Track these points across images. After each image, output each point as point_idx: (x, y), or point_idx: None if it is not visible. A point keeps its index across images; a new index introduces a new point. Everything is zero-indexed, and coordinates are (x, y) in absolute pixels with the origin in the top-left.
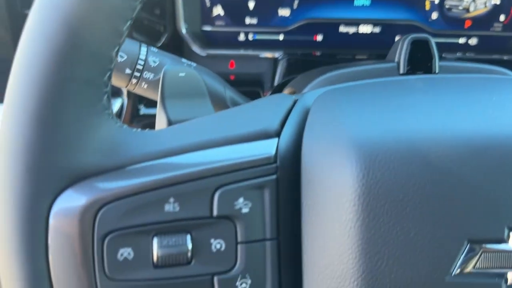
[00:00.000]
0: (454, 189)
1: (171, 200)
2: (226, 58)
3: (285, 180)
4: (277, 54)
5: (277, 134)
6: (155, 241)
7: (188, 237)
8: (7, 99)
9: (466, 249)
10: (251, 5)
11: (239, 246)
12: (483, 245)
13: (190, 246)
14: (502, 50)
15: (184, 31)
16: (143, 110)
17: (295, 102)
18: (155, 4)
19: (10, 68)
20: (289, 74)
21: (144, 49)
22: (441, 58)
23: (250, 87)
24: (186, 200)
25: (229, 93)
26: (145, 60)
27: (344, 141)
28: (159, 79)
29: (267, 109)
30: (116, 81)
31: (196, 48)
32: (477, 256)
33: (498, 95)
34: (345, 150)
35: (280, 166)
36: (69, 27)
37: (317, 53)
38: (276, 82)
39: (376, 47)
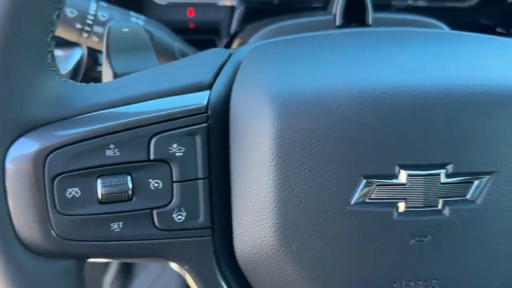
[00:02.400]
0: (353, 133)
1: (111, 146)
2: (185, 6)
3: (216, 127)
4: (234, 2)
5: (210, 86)
6: (99, 182)
7: (129, 177)
8: None
9: (363, 183)
10: None
11: (174, 185)
12: (377, 180)
13: (130, 185)
14: None
15: None
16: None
17: (229, 56)
18: None
19: None
20: (246, 23)
21: (94, 4)
22: (390, 6)
23: (209, 35)
24: (125, 146)
25: (177, 44)
26: (95, 15)
27: (264, 93)
28: None
29: (203, 63)
30: (68, 35)
31: None
32: (372, 189)
33: (411, 49)
34: (264, 101)
35: (211, 115)
36: None
37: (275, 1)
38: (232, 31)
39: None
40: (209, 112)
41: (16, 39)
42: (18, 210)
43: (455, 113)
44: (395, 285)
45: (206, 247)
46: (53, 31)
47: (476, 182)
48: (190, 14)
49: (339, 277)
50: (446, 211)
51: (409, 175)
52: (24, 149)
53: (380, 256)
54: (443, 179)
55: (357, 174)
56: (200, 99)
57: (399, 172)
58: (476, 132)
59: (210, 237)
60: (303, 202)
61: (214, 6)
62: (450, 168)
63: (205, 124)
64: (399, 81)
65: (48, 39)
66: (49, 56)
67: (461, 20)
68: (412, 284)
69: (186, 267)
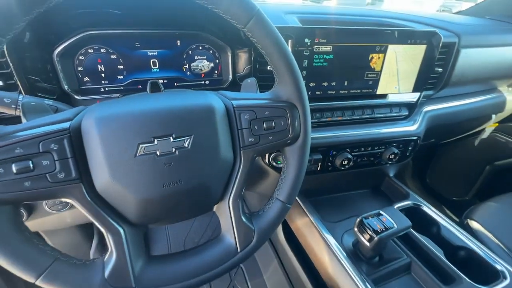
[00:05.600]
0: (134, 127)
1: (18, 148)
2: (95, 99)
3: (74, 136)
4: (119, 95)
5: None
6: (13, 165)
7: (30, 161)
8: None
9: (140, 146)
10: (102, 74)
11: (56, 162)
12: (144, 144)
13: (31, 164)
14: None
15: (66, 88)
16: None
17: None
18: (51, 78)
19: None
20: None
21: (20, 96)
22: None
23: None
24: (26, 147)
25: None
26: (22, 101)
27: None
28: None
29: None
30: (7, 111)
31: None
32: (144, 148)
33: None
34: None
35: (71, 131)
36: None
37: None
38: None
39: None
40: (70, 130)
41: None
42: None
43: (166, 121)
44: (163, 186)
45: (78, 188)
46: None
47: (182, 140)
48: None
49: (147, 186)
50: (176, 152)
51: (157, 140)
52: None
53: (156, 173)
54: (171, 141)
55: (136, 142)
56: (65, 125)
57: (153, 140)
58: (175, 124)
59: (80, 183)
60: (116, 156)
61: (110, 97)
62: (172, 137)
63: (68, 135)
64: (139, 111)
65: None
66: None
67: None
68: (170, 185)
69: (72, 201)
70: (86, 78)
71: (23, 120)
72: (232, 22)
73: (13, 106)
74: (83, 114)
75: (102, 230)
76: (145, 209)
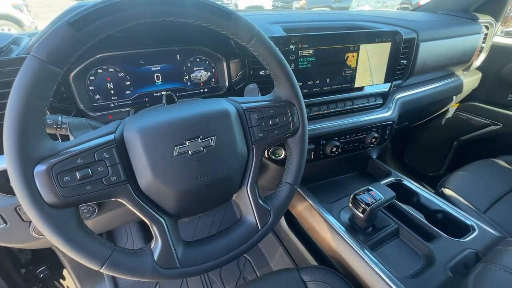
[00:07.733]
0: (167, 135)
1: (79, 159)
2: (107, 114)
3: (119, 145)
4: (129, 108)
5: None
6: (77, 173)
7: (89, 169)
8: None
9: (176, 148)
10: (112, 91)
11: (109, 167)
12: (179, 146)
13: (90, 171)
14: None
15: (82, 107)
16: None
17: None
18: (65, 99)
19: None
20: None
21: (59, 116)
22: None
23: None
24: (84, 157)
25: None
26: (61, 121)
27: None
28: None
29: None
30: (50, 131)
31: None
32: (179, 149)
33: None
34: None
35: (116, 141)
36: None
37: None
38: None
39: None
40: (115, 140)
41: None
42: (44, 191)
43: (194, 126)
44: (196, 179)
45: (127, 188)
46: (44, 127)
47: (208, 140)
48: (110, 117)
49: (184, 181)
50: (204, 150)
51: (188, 141)
52: (42, 166)
53: (191, 168)
54: (199, 141)
55: (172, 145)
56: (111, 137)
57: (185, 142)
58: (201, 128)
59: (127, 184)
60: (157, 158)
61: (120, 112)
62: (200, 138)
63: (115, 145)
64: (170, 120)
65: (43, 127)
66: (45, 131)
67: None
68: (202, 177)
69: (122, 200)
70: (97, 96)
71: (71, 136)
72: (237, 40)
73: (54, 126)
74: (122, 126)
75: (147, 222)
76: (181, 201)
